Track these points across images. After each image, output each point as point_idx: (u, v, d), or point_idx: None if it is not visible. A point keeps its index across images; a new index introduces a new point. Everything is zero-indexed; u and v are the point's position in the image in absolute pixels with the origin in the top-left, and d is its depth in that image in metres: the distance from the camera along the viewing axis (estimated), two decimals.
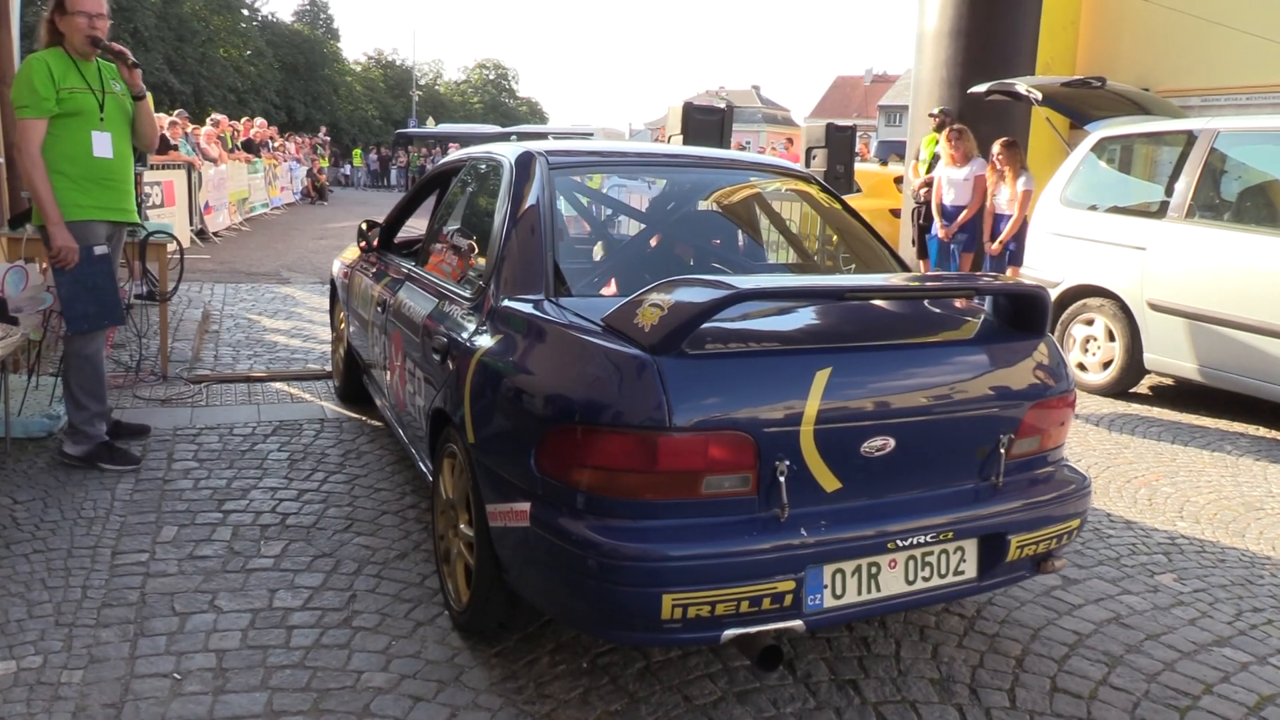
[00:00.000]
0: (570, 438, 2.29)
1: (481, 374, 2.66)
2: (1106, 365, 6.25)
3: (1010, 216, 7.44)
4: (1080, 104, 7.42)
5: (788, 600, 2.29)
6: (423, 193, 4.54)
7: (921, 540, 2.45)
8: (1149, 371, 6.12)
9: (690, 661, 2.72)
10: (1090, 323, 6.35)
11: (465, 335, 2.85)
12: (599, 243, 3.94)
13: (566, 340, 2.51)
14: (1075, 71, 9.92)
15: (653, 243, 3.72)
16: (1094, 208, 6.58)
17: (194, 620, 2.83)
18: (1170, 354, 5.85)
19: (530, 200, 3.01)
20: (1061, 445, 2.86)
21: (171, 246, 5.80)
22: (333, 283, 5.46)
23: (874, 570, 2.42)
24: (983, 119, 8.63)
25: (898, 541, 2.41)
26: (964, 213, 7.91)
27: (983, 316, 2.91)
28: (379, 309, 4.01)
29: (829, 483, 2.38)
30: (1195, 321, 5.64)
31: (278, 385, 5.61)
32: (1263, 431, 5.54)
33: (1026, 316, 2.77)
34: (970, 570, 2.57)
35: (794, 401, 2.31)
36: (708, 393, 2.27)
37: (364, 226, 4.61)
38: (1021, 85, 7.44)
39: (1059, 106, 7.68)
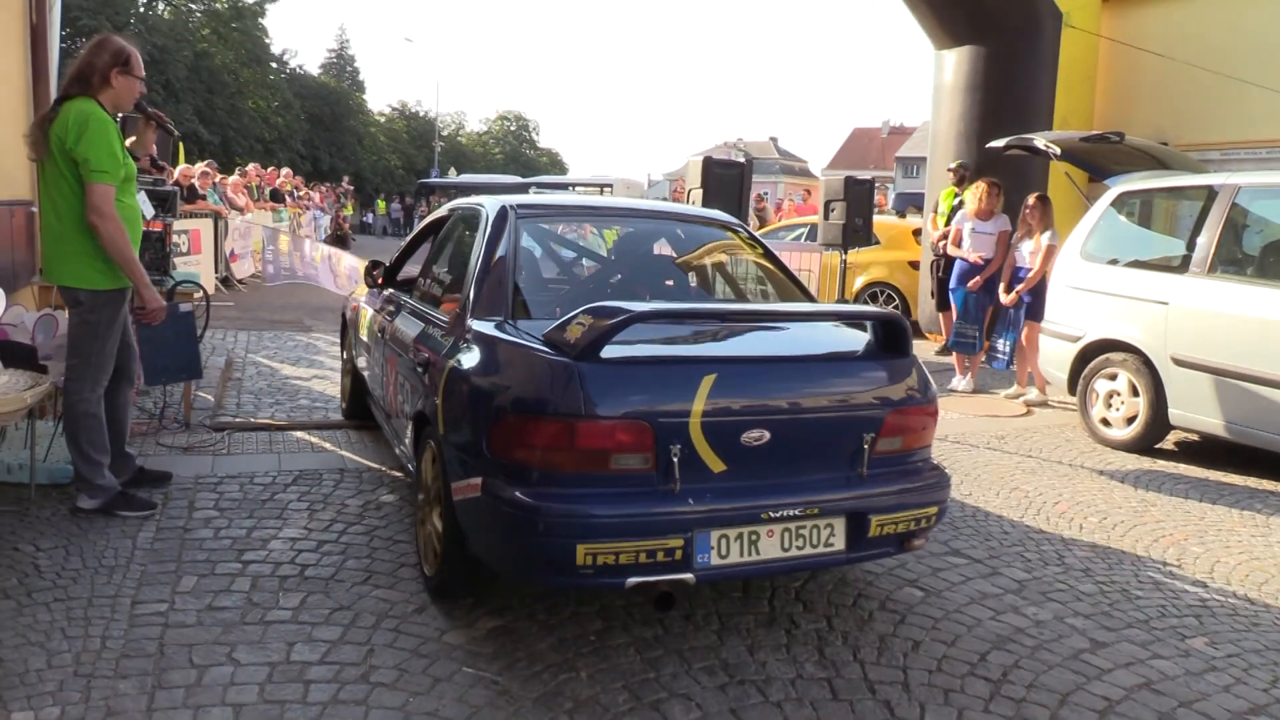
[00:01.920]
0: (512, 424, 2.91)
1: (451, 379, 3.26)
2: (1130, 421, 6.19)
3: (1029, 270, 7.45)
4: (1099, 159, 7.46)
5: (679, 555, 2.84)
6: (422, 236, 5.08)
7: (791, 514, 2.99)
8: (1174, 427, 6.06)
9: None
10: (1113, 377, 6.30)
11: (442, 351, 3.47)
12: (556, 276, 4.41)
13: (514, 350, 3.13)
14: (1093, 126, 9.96)
15: (603, 277, 4.40)
16: (1114, 262, 6.56)
17: (212, 673, 2.81)
18: (1195, 409, 5.78)
19: (500, 242, 3.67)
20: (926, 446, 3.42)
21: (197, 295, 5.87)
22: (343, 317, 6.05)
23: (754, 538, 2.96)
24: (1001, 173, 8.66)
25: (770, 513, 2.96)
26: (989, 267, 7.93)
27: (865, 340, 3.49)
28: (379, 335, 4.61)
29: (715, 465, 2.94)
30: (1220, 377, 5.59)
31: (298, 434, 5.63)
32: None
33: (894, 340, 3.38)
34: (839, 543, 3.09)
35: (684, 399, 2.89)
36: (616, 390, 2.88)
37: (370, 267, 5.14)
38: (1040, 140, 7.49)
39: (1078, 161, 7.72)
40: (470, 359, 3.22)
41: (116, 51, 3.95)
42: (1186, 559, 4.24)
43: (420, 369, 3.63)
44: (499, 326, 3.31)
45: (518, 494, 2.83)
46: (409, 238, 5.26)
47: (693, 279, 4.41)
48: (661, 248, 4.54)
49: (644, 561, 2.81)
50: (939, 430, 6.47)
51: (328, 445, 5.43)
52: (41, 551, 3.64)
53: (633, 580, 2.83)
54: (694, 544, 2.86)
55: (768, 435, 2.98)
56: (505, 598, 3.42)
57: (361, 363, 5.27)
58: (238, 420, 5.84)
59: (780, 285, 4.14)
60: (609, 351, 2.89)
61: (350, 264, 15.42)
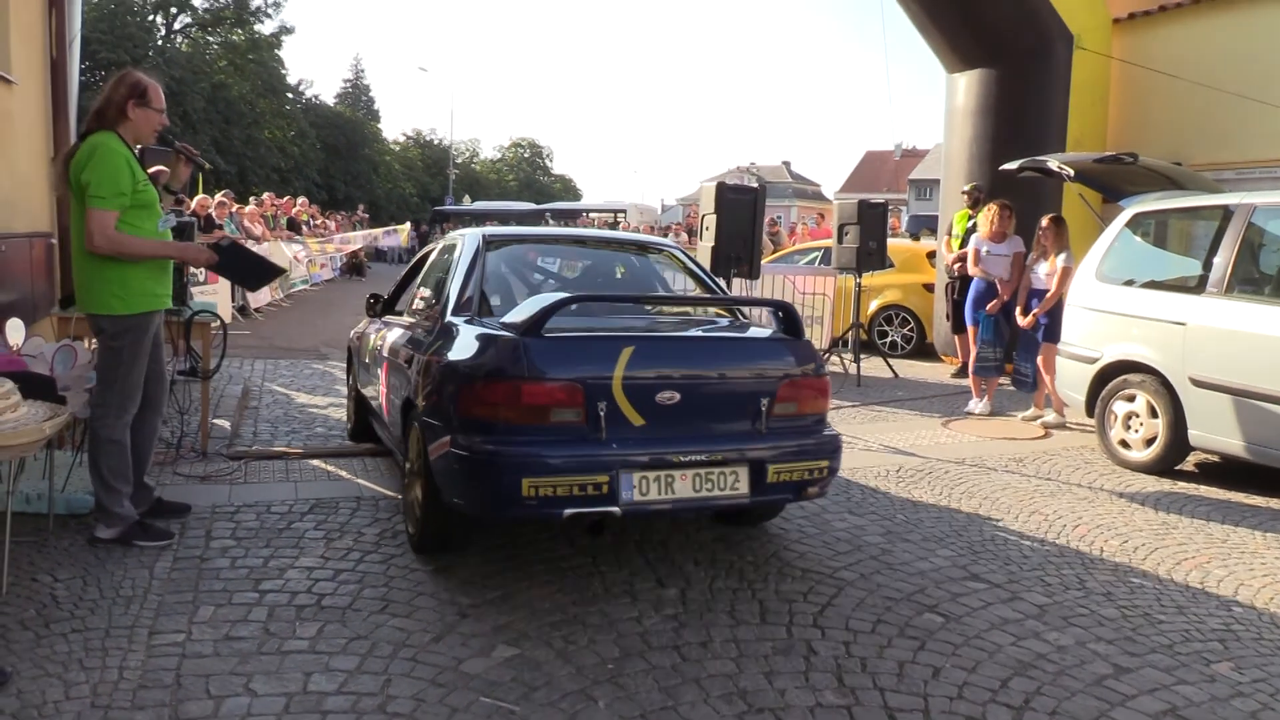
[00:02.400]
0: (473, 389, 3.62)
1: (430, 363, 4.01)
2: (1149, 442, 6.13)
3: (1045, 291, 7.43)
4: (1113, 180, 7.43)
5: (605, 490, 3.50)
6: (415, 269, 5.67)
7: (699, 459, 3.64)
8: (1194, 448, 6.00)
9: None
10: (1131, 399, 6.25)
11: (423, 346, 4.22)
12: (519, 286, 4.95)
13: (476, 332, 3.88)
14: (1106, 147, 9.93)
15: (559, 287, 4.94)
16: (1130, 283, 6.53)
17: (229, 704, 2.81)
18: (1215, 430, 5.73)
19: (473, 261, 4.48)
20: (820, 413, 4.09)
21: (215, 324, 5.91)
22: (349, 349, 6.63)
23: (669, 480, 3.62)
24: (1015, 195, 8.66)
25: (681, 459, 3.61)
26: (1005, 289, 7.92)
27: (771, 327, 4.30)
28: (377, 352, 5.24)
29: (635, 419, 3.63)
30: (1240, 398, 5.53)
31: (315, 462, 5.64)
32: None
33: (789, 325, 4.13)
34: (744, 488, 3.74)
35: (607, 366, 3.60)
36: (554, 359, 3.60)
37: (371, 300, 5.77)
38: (1053, 162, 7.48)
39: (1091, 182, 7.69)
40: (443, 344, 3.99)
41: (133, 85, 4.03)
42: (1210, 582, 4.19)
43: (407, 364, 4.37)
44: (468, 320, 4.09)
45: (477, 441, 3.54)
46: (404, 271, 5.84)
47: (634, 288, 5.11)
48: (611, 265, 5.40)
49: (577, 494, 3.48)
50: (956, 452, 6.48)
51: (344, 473, 5.44)
52: (59, 582, 3.65)
53: (569, 511, 3.50)
54: (618, 481, 3.52)
55: (678, 396, 3.69)
56: (523, 624, 3.41)
57: (364, 387, 5.79)
58: (254, 449, 5.86)
59: (705, 289, 4.98)
60: (549, 330, 3.65)
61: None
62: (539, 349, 3.59)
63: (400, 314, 5.34)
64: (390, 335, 5.02)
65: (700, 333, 4.28)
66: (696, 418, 3.76)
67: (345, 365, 7.03)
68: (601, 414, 3.56)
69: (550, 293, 4.50)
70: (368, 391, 5.62)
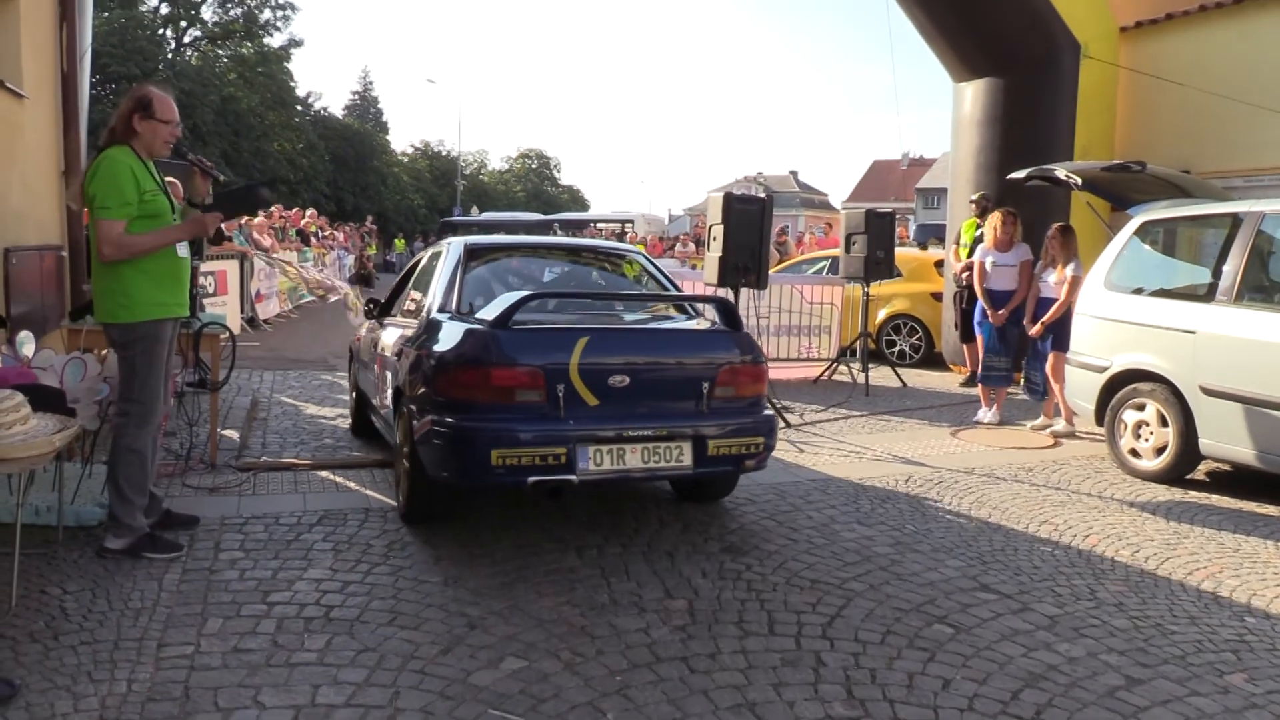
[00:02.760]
0: (450, 374, 4.17)
1: (416, 355, 4.52)
2: (1160, 451, 6.09)
3: (1054, 300, 7.41)
4: (1121, 188, 7.41)
5: (563, 460, 4.03)
6: (409, 274, 6.12)
7: (647, 434, 4.18)
8: (1205, 457, 5.96)
9: None
10: (1141, 408, 6.22)
11: (411, 340, 4.75)
12: (496, 288, 5.27)
13: (454, 326, 4.44)
14: (1114, 155, 9.92)
15: (532, 288, 5.18)
16: (1139, 291, 6.51)
17: (237, 716, 2.80)
18: (1226, 439, 5.69)
19: (456, 266, 5.02)
20: (758, 395, 4.61)
21: (224, 336, 5.93)
22: (350, 348, 7.19)
23: (621, 453, 4.15)
24: (1023, 204, 8.65)
25: (630, 433, 4.16)
26: (1014, 298, 7.90)
27: (712, 320, 4.84)
28: (372, 348, 5.81)
29: (590, 400, 4.17)
30: (1251, 406, 5.50)
31: (323, 473, 5.65)
32: None
33: (728, 318, 4.69)
34: (687, 460, 4.27)
35: (565, 353, 4.14)
36: (520, 347, 4.14)
37: (369, 304, 6.39)
38: (1061, 170, 7.46)
39: (1100, 191, 7.67)
40: (427, 337, 4.53)
41: (139, 99, 4.08)
42: (1222, 592, 4.16)
43: (397, 357, 4.86)
44: (450, 317, 4.61)
45: (453, 419, 4.07)
46: (399, 276, 6.31)
47: (598, 288, 5.53)
48: (580, 268, 5.87)
49: (539, 464, 3.99)
50: (965, 462, 6.46)
51: (352, 485, 5.44)
52: (68, 594, 3.66)
53: (532, 479, 3.98)
54: (575, 453, 4.05)
55: (628, 379, 4.22)
56: (531, 636, 3.40)
57: (363, 382, 6.29)
58: (262, 460, 5.87)
59: (661, 288, 5.44)
60: (517, 323, 4.17)
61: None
62: (506, 339, 4.14)
63: (394, 315, 5.83)
64: (384, 334, 5.54)
65: (648, 325, 4.89)
66: (645, 398, 4.28)
67: (347, 366, 7.53)
68: (560, 395, 4.09)
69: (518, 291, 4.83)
70: (366, 386, 6.11)
